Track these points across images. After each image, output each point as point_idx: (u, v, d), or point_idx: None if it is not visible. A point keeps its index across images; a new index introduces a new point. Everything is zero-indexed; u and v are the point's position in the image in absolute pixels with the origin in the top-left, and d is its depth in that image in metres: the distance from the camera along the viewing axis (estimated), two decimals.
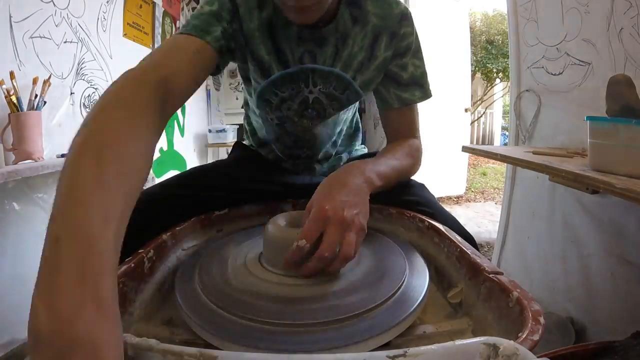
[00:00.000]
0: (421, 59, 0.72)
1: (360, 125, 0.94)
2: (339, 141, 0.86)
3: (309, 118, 0.72)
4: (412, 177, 0.80)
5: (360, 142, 0.96)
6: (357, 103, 0.80)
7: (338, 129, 0.81)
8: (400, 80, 0.70)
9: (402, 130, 0.74)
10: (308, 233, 0.43)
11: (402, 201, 0.69)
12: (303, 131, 0.75)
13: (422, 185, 0.76)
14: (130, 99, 0.41)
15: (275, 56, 0.66)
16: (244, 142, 0.97)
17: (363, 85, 0.69)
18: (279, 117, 0.74)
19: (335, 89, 0.69)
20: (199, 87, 0.59)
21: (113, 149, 0.34)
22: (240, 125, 2.99)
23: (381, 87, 0.71)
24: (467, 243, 0.52)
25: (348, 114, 0.81)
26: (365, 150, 0.96)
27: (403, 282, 0.46)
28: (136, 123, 0.39)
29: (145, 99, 0.42)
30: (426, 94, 0.72)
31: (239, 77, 0.85)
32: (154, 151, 0.43)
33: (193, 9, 2.84)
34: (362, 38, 0.66)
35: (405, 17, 0.69)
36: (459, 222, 0.66)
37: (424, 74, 0.72)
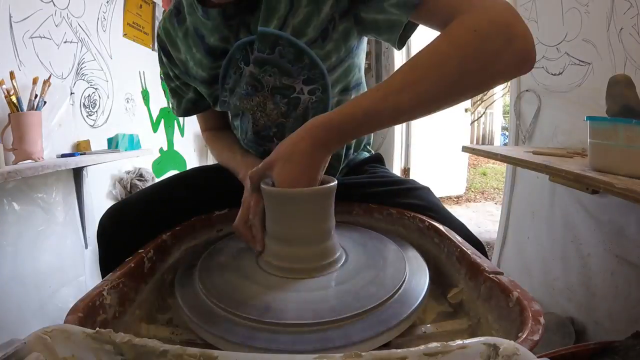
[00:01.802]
0: None
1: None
2: None
3: (246, 97, 0.63)
4: (416, 180, 0.77)
5: (369, 145, 0.88)
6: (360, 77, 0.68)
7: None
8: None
9: (440, 17, 0.48)
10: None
11: (407, 204, 0.68)
12: (265, 118, 0.66)
13: (427, 189, 0.74)
14: (214, 136, 0.82)
15: (212, 57, 0.62)
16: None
17: (296, 30, 0.56)
18: (234, 114, 0.71)
19: (260, 51, 0.58)
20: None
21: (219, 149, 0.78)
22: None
23: (370, 14, 0.53)
24: (467, 243, 0.52)
25: (338, 86, 0.64)
26: (367, 154, 0.86)
27: (403, 282, 0.46)
28: (219, 140, 0.80)
29: (212, 135, 0.83)
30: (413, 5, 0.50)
31: None
32: (237, 143, 0.76)
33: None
34: None
35: None
36: (467, 229, 0.64)
37: None
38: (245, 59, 0.61)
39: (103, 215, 0.67)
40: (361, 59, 0.67)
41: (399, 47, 0.55)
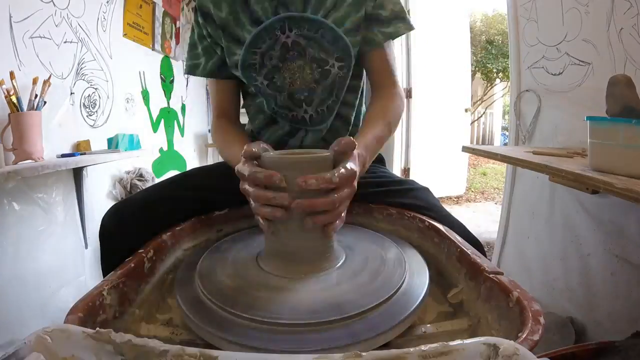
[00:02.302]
0: None
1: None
2: (353, 112, 0.85)
3: (291, 60, 0.75)
4: (416, 181, 0.80)
5: None
6: (363, 86, 0.84)
7: (342, 94, 0.79)
8: (381, 19, 0.73)
9: (385, 75, 0.77)
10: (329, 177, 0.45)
11: (406, 204, 0.69)
12: (301, 80, 0.76)
13: (426, 189, 0.76)
14: (221, 126, 0.81)
15: (251, 22, 0.73)
16: None
17: (337, 21, 0.72)
18: (266, 76, 0.76)
19: (309, 30, 0.72)
20: (239, 92, 0.86)
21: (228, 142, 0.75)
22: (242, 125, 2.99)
23: (364, 30, 0.73)
24: (467, 243, 0.52)
25: (347, 83, 0.79)
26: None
27: (403, 282, 0.46)
28: (229, 133, 0.78)
29: (223, 122, 0.81)
30: (410, 26, 0.75)
31: None
32: (246, 134, 0.82)
33: (193, 9, 2.84)
34: None
35: None
36: (466, 228, 0.65)
37: (402, 9, 0.75)
38: (282, 29, 0.72)
39: (105, 215, 0.68)
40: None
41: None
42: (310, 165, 0.48)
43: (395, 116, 0.73)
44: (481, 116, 7.63)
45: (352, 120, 0.85)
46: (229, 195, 0.70)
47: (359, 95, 0.85)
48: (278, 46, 0.73)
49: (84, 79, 1.59)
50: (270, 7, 0.71)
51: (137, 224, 0.63)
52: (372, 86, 0.80)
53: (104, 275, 0.60)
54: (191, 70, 0.81)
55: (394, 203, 0.70)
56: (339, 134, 0.75)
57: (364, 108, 0.90)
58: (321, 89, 0.77)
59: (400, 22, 0.74)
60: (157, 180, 1.98)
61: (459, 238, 0.54)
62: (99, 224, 0.68)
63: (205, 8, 0.74)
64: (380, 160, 0.88)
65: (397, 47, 3.03)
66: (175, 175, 0.81)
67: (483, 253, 0.55)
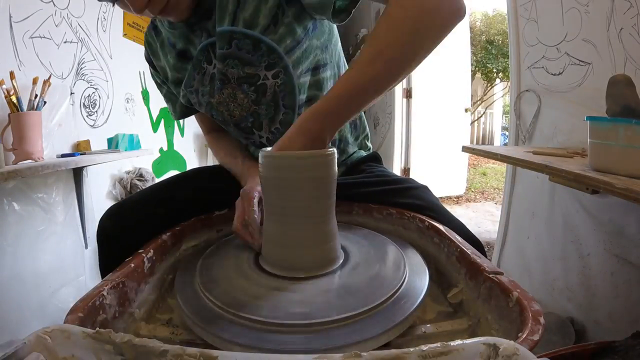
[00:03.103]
0: None
1: (365, 123, 0.87)
2: None
3: (218, 92, 0.68)
4: (415, 179, 0.78)
5: (368, 141, 0.89)
6: (330, 74, 0.72)
7: (296, 97, 0.68)
8: None
9: None
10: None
11: (405, 204, 0.68)
12: (239, 109, 0.69)
13: (425, 188, 0.74)
14: (217, 137, 0.83)
15: (183, 60, 0.70)
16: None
17: (248, 23, 0.61)
18: (207, 111, 0.72)
19: (220, 48, 0.63)
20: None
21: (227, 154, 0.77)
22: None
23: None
24: (467, 243, 0.52)
25: (298, 86, 0.68)
26: (365, 153, 0.87)
27: (403, 282, 0.46)
28: (224, 143, 0.81)
29: (216, 136, 0.83)
30: None
31: None
32: (238, 147, 0.79)
33: None
34: None
35: None
36: (466, 227, 0.64)
37: None
38: (208, 59, 0.67)
39: (103, 216, 0.68)
40: (325, 40, 0.69)
41: (338, 22, 0.60)
42: (310, 163, 0.47)
43: (386, 29, 0.49)
44: (481, 116, 7.63)
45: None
46: (228, 195, 0.70)
47: (326, 83, 0.72)
48: (207, 80, 0.68)
49: (84, 79, 1.59)
50: (195, 39, 0.67)
51: (136, 224, 0.63)
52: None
53: (102, 276, 0.60)
54: (172, 116, 0.85)
55: (393, 202, 0.69)
56: None
57: None
58: (265, 107, 0.68)
59: None
60: (157, 181, 1.99)
61: (459, 238, 0.54)
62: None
63: (149, 60, 0.78)
64: (377, 159, 0.86)
65: None
66: (176, 176, 0.81)
67: (483, 253, 0.54)
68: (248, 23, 0.61)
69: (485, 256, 0.54)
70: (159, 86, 0.82)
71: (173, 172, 2.44)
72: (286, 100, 0.68)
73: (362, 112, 0.82)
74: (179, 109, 0.82)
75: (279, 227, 0.50)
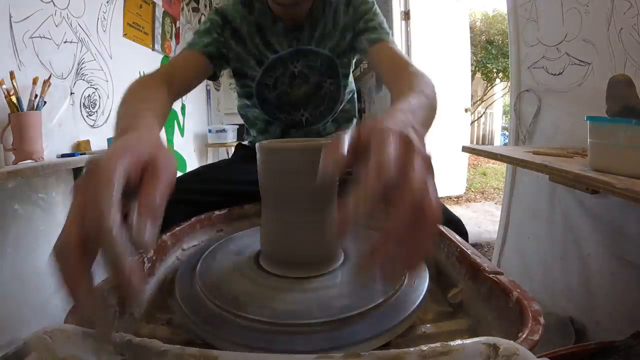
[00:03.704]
0: (380, 14, 0.84)
1: (353, 116, 1.01)
2: (339, 119, 0.96)
3: (297, 86, 0.87)
4: None
5: None
6: (351, 92, 0.96)
7: (335, 105, 0.92)
8: (367, 29, 0.81)
9: (398, 61, 0.74)
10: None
11: None
12: (302, 97, 0.89)
13: None
14: (147, 80, 0.73)
15: (266, 48, 0.84)
16: (243, 143, 0.99)
17: (332, 49, 0.85)
18: (277, 95, 0.87)
19: (312, 61, 0.86)
20: (198, 80, 0.81)
21: (140, 96, 0.63)
22: (241, 125, 3.00)
23: (357, 43, 0.83)
24: (467, 243, 0.52)
25: (340, 96, 0.92)
26: None
27: (403, 282, 0.46)
28: (152, 89, 0.69)
29: (156, 80, 0.73)
30: (388, 33, 0.82)
31: None
32: (168, 103, 0.70)
33: (193, 9, 2.84)
34: (329, 15, 0.84)
35: None
36: (448, 209, 0.69)
37: (384, 21, 0.84)
38: (291, 60, 0.85)
39: None
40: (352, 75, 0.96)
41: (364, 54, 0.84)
42: (311, 154, 0.44)
43: (426, 86, 0.62)
44: (481, 116, 7.63)
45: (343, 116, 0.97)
46: (228, 196, 0.71)
47: (350, 98, 0.97)
48: (287, 74, 0.86)
49: (84, 79, 1.59)
50: (285, 42, 0.84)
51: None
52: (387, 84, 0.73)
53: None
54: (190, 46, 0.79)
55: None
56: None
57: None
58: (317, 99, 0.90)
59: (383, 31, 0.81)
60: None
61: (459, 238, 0.54)
62: None
63: (230, 16, 0.82)
64: None
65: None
66: (189, 172, 0.84)
67: (465, 234, 0.63)
68: (332, 49, 0.85)
69: (466, 235, 0.63)
70: (214, 31, 0.80)
71: None
72: (328, 103, 0.91)
73: (356, 113, 1.02)
74: (210, 49, 0.79)
75: (279, 221, 0.50)
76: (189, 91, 0.79)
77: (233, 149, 1.11)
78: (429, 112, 0.53)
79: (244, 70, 0.85)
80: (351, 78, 0.96)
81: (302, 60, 0.85)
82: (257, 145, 0.49)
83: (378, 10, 0.85)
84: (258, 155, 0.50)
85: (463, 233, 0.65)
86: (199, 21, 2.97)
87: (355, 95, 1.01)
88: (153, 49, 2.18)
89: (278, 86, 0.86)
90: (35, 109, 1.21)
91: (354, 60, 0.92)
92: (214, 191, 0.74)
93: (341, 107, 0.95)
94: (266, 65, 0.84)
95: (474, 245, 0.59)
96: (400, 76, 0.67)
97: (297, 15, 0.82)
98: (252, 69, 0.84)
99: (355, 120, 1.02)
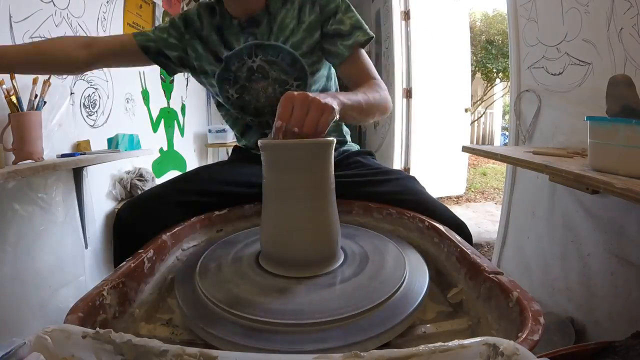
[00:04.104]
0: (353, 11, 0.84)
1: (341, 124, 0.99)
2: None
3: (256, 81, 0.85)
4: (404, 171, 0.84)
5: (349, 137, 1.00)
6: (330, 80, 0.94)
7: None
8: (342, 33, 0.82)
9: (363, 77, 0.81)
10: (280, 114, 0.51)
11: (385, 192, 0.73)
12: (265, 99, 0.86)
13: (412, 178, 0.80)
14: (66, 38, 0.90)
15: (224, 46, 0.85)
16: (239, 145, 1.00)
17: (295, 45, 0.83)
18: (237, 91, 0.86)
19: (272, 55, 0.83)
20: (122, 58, 0.89)
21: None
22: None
23: (328, 46, 0.83)
24: (467, 243, 0.52)
25: (313, 87, 0.90)
26: (357, 148, 1.00)
27: (403, 282, 0.46)
28: (65, 41, 0.84)
29: (74, 39, 0.89)
30: (368, 33, 0.82)
31: None
32: (76, 59, 0.82)
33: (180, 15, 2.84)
34: (290, 11, 0.83)
35: None
36: (450, 211, 0.69)
37: (359, 20, 0.83)
38: (249, 54, 0.84)
39: (122, 208, 0.70)
40: (330, 73, 0.93)
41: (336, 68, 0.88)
42: (310, 149, 0.49)
43: (373, 93, 0.74)
44: (481, 116, 7.63)
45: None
46: (227, 196, 0.71)
47: None
48: (245, 69, 0.84)
49: (83, 79, 1.59)
50: (242, 37, 0.83)
51: (152, 216, 0.65)
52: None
53: (116, 266, 0.60)
54: (135, 35, 0.85)
55: (374, 192, 0.74)
56: None
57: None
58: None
59: (358, 32, 0.81)
60: (157, 180, 1.99)
61: (458, 238, 0.54)
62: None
63: (190, 19, 0.86)
64: (370, 155, 0.96)
65: (396, 47, 3.03)
66: (178, 176, 0.84)
67: (469, 238, 0.63)
68: (294, 46, 0.82)
69: (470, 238, 0.63)
70: (168, 32, 0.86)
71: (173, 172, 2.44)
72: None
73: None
74: (154, 47, 0.85)
75: (279, 217, 0.50)
76: (109, 62, 0.90)
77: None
78: (363, 103, 0.68)
79: (204, 68, 0.86)
80: (329, 78, 0.93)
81: (260, 54, 0.83)
82: (259, 142, 0.52)
83: (350, 7, 0.84)
84: (260, 150, 0.51)
85: (467, 236, 0.64)
86: None
87: None
88: None
89: (238, 81, 0.85)
90: (35, 109, 1.21)
91: (326, 63, 0.89)
92: (211, 192, 0.73)
93: None
94: (224, 61, 0.84)
95: (474, 245, 0.59)
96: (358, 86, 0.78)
97: (251, 9, 0.82)
98: (212, 65, 0.85)
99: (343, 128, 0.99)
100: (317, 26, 0.82)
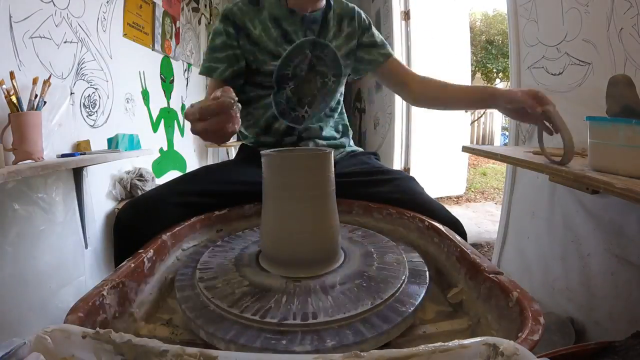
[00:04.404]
0: (379, 34, 1.00)
1: (348, 127, 1.06)
2: (334, 118, 1.01)
3: (318, 72, 0.92)
4: (402, 170, 0.86)
5: (352, 142, 1.06)
6: (339, 99, 1.02)
7: (331, 102, 0.98)
8: (377, 44, 0.98)
9: (408, 71, 1.01)
10: None
11: (383, 192, 0.74)
12: (310, 90, 0.93)
13: (411, 178, 0.82)
14: None
15: (284, 39, 0.87)
16: (246, 143, 1.00)
17: (336, 48, 0.93)
18: (294, 83, 0.91)
19: (320, 52, 0.91)
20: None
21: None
22: None
23: (364, 54, 0.97)
24: (467, 243, 0.52)
25: (336, 94, 0.99)
26: (360, 150, 1.04)
27: (403, 282, 0.46)
28: None
29: None
30: (391, 51, 1.00)
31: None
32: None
33: (193, 9, 2.84)
34: (333, 18, 0.93)
35: (354, 8, 0.97)
36: (445, 209, 0.70)
37: (384, 39, 1.00)
38: (310, 49, 0.90)
39: (122, 209, 0.70)
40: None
41: (358, 76, 1.04)
42: (311, 160, 0.49)
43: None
44: (481, 116, 7.63)
45: (334, 121, 1.01)
46: (245, 186, 0.75)
47: (340, 105, 1.05)
48: (306, 61, 0.90)
49: (84, 79, 1.59)
50: (300, 30, 0.88)
51: (152, 216, 0.64)
52: (404, 86, 1.00)
53: (116, 266, 0.60)
54: (209, 72, 0.88)
55: (372, 192, 0.75)
56: (325, 131, 0.97)
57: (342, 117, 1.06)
58: (320, 96, 0.95)
59: (387, 45, 0.99)
60: (157, 181, 1.99)
61: (458, 238, 0.54)
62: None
63: (240, 22, 0.86)
64: (374, 155, 0.99)
65: (396, 47, 3.03)
66: (179, 177, 0.84)
67: (463, 234, 0.64)
68: (336, 48, 0.93)
69: (465, 236, 0.64)
70: (227, 47, 0.87)
71: (173, 172, 2.44)
72: (327, 99, 0.97)
73: (348, 127, 1.07)
74: (229, 74, 0.87)
75: (279, 217, 0.50)
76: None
77: (233, 149, 1.12)
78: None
79: (258, 68, 0.88)
80: (342, 88, 1.02)
81: (316, 50, 0.90)
82: (262, 153, 0.52)
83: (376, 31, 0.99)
84: (262, 161, 0.52)
85: (461, 233, 0.66)
86: (199, 21, 2.97)
87: (343, 108, 1.06)
88: (153, 49, 2.18)
89: (297, 73, 0.90)
90: (35, 109, 1.21)
91: (350, 71, 0.99)
92: (211, 193, 0.73)
93: (331, 109, 1.00)
94: (285, 54, 0.87)
95: (474, 245, 0.59)
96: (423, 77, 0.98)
97: (317, 6, 0.89)
98: (267, 65, 0.87)
99: (350, 133, 1.06)
100: (354, 36, 0.95)
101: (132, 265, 0.47)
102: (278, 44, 0.87)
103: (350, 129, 1.07)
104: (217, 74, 0.87)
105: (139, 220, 0.66)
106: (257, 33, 0.86)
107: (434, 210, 0.68)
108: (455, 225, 0.66)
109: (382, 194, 0.74)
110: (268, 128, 0.95)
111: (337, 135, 1.02)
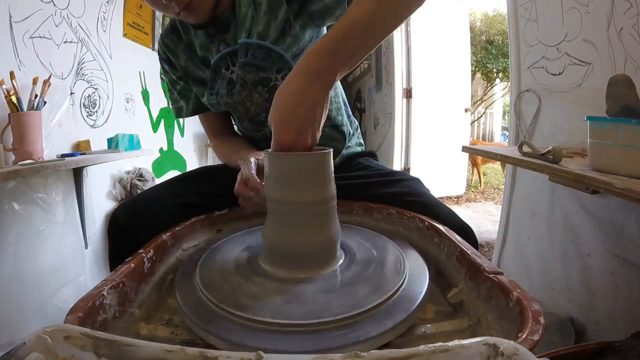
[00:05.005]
0: None
1: (348, 126, 0.90)
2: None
3: (237, 94, 0.78)
4: (404, 171, 0.83)
5: (355, 140, 0.94)
6: (339, 97, 0.86)
7: None
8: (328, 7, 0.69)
9: None
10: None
11: (391, 194, 0.71)
12: (254, 106, 0.79)
13: (416, 179, 0.78)
14: (220, 142, 0.88)
15: (204, 65, 0.78)
16: None
17: (261, 35, 0.71)
18: (227, 105, 0.81)
19: (240, 57, 0.74)
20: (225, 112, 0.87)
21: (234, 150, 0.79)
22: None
23: (321, 3, 0.69)
24: (467, 243, 0.52)
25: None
26: (360, 149, 0.94)
27: (403, 282, 0.46)
28: (232, 142, 0.86)
29: (224, 139, 0.88)
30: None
31: None
32: (245, 140, 0.86)
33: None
34: (248, 6, 0.71)
35: None
36: (457, 216, 0.68)
37: None
38: (226, 65, 0.76)
39: (116, 209, 0.69)
40: (320, 34, 0.78)
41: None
42: (309, 161, 0.49)
43: None
44: (481, 116, 7.64)
45: (332, 114, 0.83)
46: (227, 196, 0.71)
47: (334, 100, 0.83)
48: (224, 83, 0.78)
49: (84, 79, 1.59)
50: (214, 47, 0.76)
51: (147, 218, 0.64)
52: None
53: (112, 269, 0.60)
54: (178, 113, 0.87)
55: (380, 194, 0.72)
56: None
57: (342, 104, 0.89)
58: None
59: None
60: (157, 180, 1.99)
61: (459, 238, 0.54)
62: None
63: (170, 56, 0.80)
64: (372, 156, 0.93)
65: (397, 47, 3.03)
66: (187, 172, 0.85)
67: (475, 242, 0.61)
68: (261, 36, 0.72)
69: (476, 243, 0.61)
70: (174, 83, 0.84)
71: (173, 172, 2.44)
72: None
73: (350, 115, 0.92)
74: (192, 106, 0.85)
75: (280, 221, 0.50)
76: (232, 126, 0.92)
77: None
78: (356, 16, 0.50)
79: (204, 99, 0.82)
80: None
81: (237, 59, 0.75)
82: (263, 153, 0.52)
83: None
84: (263, 160, 0.52)
85: (474, 242, 0.63)
86: None
87: (341, 99, 0.89)
88: (153, 49, 2.18)
89: (220, 102, 0.80)
90: (35, 109, 1.21)
91: (312, 36, 0.75)
92: (205, 194, 0.73)
93: None
94: (208, 85, 0.79)
95: None
96: None
97: (200, 12, 0.68)
98: (202, 96, 0.82)
99: (351, 132, 0.91)
100: (279, 5, 0.70)
101: (132, 265, 0.47)
102: (203, 70, 0.78)
103: (350, 120, 0.93)
104: (185, 112, 0.85)
105: (132, 222, 0.65)
106: (182, 64, 0.80)
107: (443, 215, 0.65)
108: (467, 233, 0.63)
109: (391, 195, 0.71)
110: (267, 141, 0.90)
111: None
